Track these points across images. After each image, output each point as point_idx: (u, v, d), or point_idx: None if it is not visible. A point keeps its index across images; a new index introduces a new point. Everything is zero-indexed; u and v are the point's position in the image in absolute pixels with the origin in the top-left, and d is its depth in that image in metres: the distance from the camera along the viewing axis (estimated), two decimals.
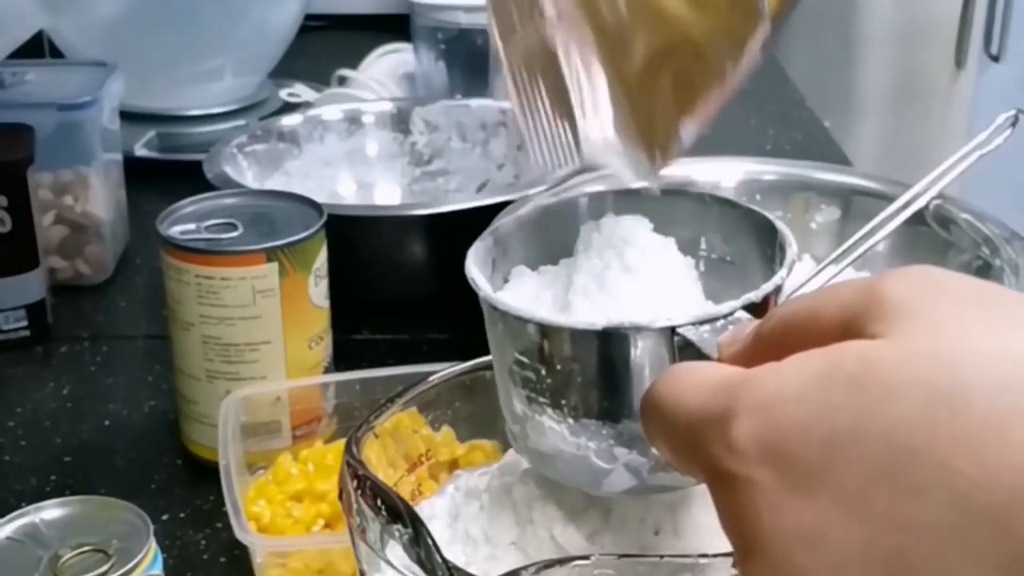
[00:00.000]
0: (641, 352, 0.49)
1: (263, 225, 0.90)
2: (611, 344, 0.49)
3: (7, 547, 0.67)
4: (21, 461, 0.95)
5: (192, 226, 0.89)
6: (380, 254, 1.11)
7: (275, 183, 1.25)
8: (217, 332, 0.87)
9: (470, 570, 0.53)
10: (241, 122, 1.53)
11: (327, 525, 0.78)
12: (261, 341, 0.87)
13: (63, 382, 1.06)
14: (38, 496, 0.72)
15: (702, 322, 0.49)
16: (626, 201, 0.58)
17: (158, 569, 0.67)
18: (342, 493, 0.60)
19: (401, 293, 1.13)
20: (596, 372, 0.50)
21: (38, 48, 1.68)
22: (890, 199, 0.98)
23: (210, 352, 0.88)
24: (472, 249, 0.58)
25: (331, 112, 1.38)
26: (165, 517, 0.85)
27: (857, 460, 0.34)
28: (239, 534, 0.72)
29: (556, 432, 0.52)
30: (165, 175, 1.38)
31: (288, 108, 1.55)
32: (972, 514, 0.32)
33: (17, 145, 1.12)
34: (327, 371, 0.92)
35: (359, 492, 0.58)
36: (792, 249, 0.55)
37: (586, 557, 0.53)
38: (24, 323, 1.12)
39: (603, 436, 0.51)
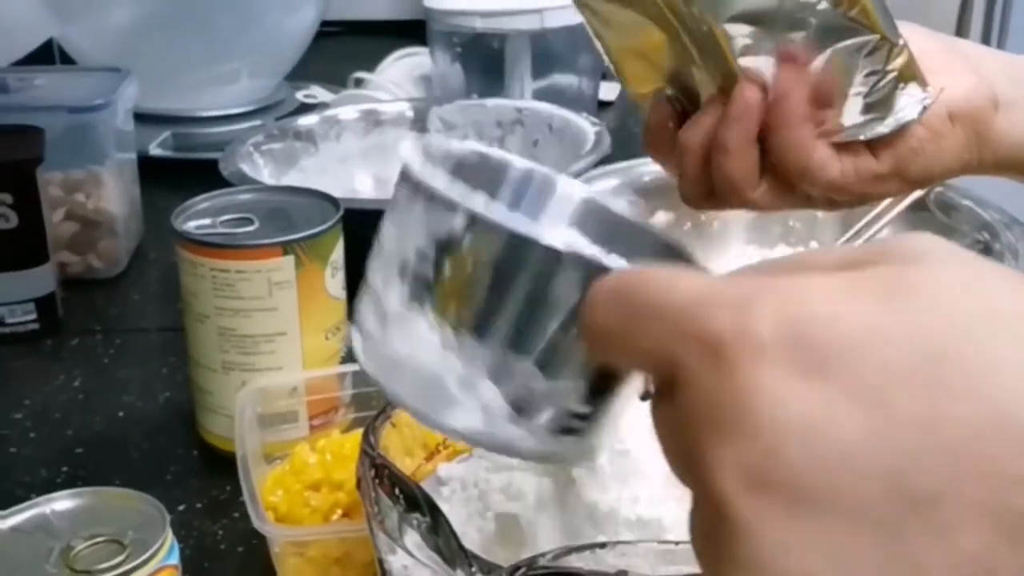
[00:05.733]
0: (577, 283, 0.43)
1: (279, 219, 0.90)
2: (548, 264, 0.43)
3: (17, 538, 0.66)
4: (30, 453, 0.95)
5: (207, 221, 0.89)
6: None
7: (291, 180, 1.26)
8: (233, 324, 0.87)
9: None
10: (257, 122, 1.54)
11: (345, 514, 0.77)
12: (277, 332, 0.87)
13: (74, 374, 1.06)
14: (48, 488, 0.71)
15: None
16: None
17: (175, 559, 0.66)
18: (360, 482, 0.60)
19: None
20: (517, 290, 0.44)
21: (48, 56, 1.69)
22: None
23: (226, 343, 0.88)
24: (410, 142, 0.56)
25: (348, 112, 1.38)
26: (181, 508, 0.85)
27: (881, 357, 0.32)
28: (257, 524, 0.71)
29: (426, 341, 0.45)
30: (181, 174, 1.38)
31: (305, 109, 1.55)
32: (993, 428, 0.31)
33: (26, 145, 1.14)
34: (344, 361, 0.92)
35: (377, 481, 0.58)
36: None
37: (603, 545, 0.53)
38: (33, 316, 1.13)
39: (477, 361, 0.45)
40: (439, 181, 0.45)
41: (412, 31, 1.77)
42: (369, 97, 1.50)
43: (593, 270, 0.41)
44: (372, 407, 0.79)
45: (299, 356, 0.88)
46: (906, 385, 0.32)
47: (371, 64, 1.68)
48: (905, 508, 0.31)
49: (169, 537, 0.66)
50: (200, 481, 0.89)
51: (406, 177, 0.47)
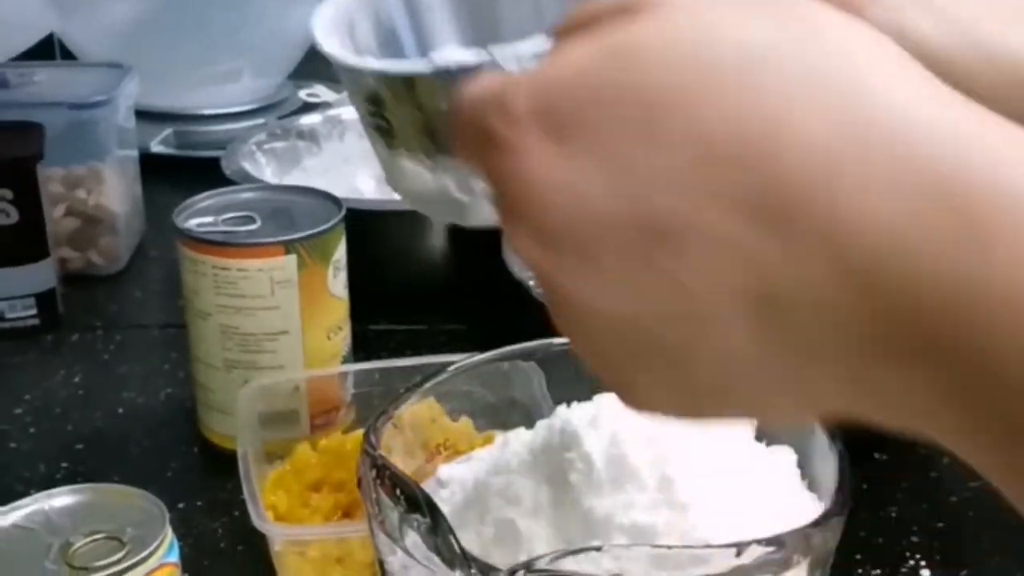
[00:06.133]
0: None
1: (282, 218, 0.90)
2: (441, 83, 0.49)
3: (15, 534, 0.66)
4: (29, 448, 0.94)
5: (209, 219, 0.89)
6: (399, 246, 1.11)
7: (294, 179, 1.25)
8: (235, 321, 0.87)
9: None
10: (259, 121, 1.53)
11: (345, 514, 0.77)
12: (279, 331, 0.87)
13: (74, 370, 1.06)
14: (47, 484, 0.71)
15: (527, 54, 0.50)
16: None
17: (174, 557, 0.66)
18: (361, 482, 0.60)
19: (420, 284, 1.13)
20: (435, 111, 0.50)
21: (49, 51, 1.69)
22: None
23: (228, 341, 0.88)
24: (317, 15, 0.59)
25: (351, 112, 1.37)
26: (181, 505, 0.85)
27: (614, 115, 0.37)
28: (257, 522, 0.71)
29: (417, 172, 0.53)
30: (184, 171, 1.38)
31: (308, 108, 1.55)
32: (710, 160, 0.35)
33: (26, 142, 1.14)
34: (346, 361, 0.92)
35: (378, 481, 0.58)
36: None
37: (598, 548, 0.53)
38: (33, 311, 1.13)
39: (457, 170, 0.52)
40: (343, 53, 0.54)
41: None
42: None
43: (470, 72, 0.47)
44: (373, 407, 0.79)
45: (301, 355, 0.88)
46: (633, 136, 0.36)
47: None
48: (651, 237, 0.36)
49: (169, 535, 0.66)
50: (200, 479, 0.89)
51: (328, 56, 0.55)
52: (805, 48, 0.36)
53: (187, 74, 1.56)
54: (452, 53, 0.50)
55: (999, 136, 0.34)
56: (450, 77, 0.48)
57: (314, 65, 1.67)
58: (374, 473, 0.58)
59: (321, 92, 1.64)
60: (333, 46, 0.54)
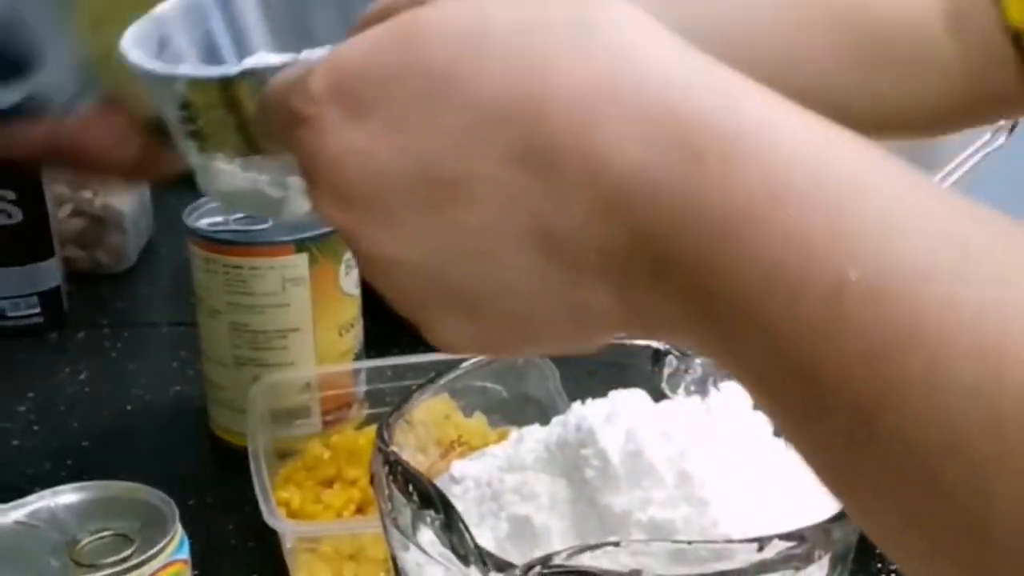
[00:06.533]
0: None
1: None
2: (251, 86, 0.51)
3: (20, 531, 0.66)
4: (33, 446, 0.94)
5: (220, 218, 0.89)
6: None
7: None
8: (246, 319, 0.87)
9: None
10: None
11: (358, 511, 0.77)
12: (290, 328, 0.87)
13: (80, 368, 1.06)
14: (53, 481, 0.70)
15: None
16: None
17: (184, 554, 0.66)
18: (374, 479, 0.60)
19: None
20: (245, 114, 0.52)
21: None
22: None
23: (238, 339, 0.87)
24: (128, 31, 0.59)
25: None
26: (192, 502, 0.84)
27: (401, 88, 0.41)
28: (268, 519, 0.71)
29: (230, 173, 0.55)
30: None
31: None
32: (484, 119, 0.40)
33: None
34: (358, 358, 0.92)
35: (391, 478, 0.58)
36: None
37: (616, 543, 0.53)
38: (36, 310, 1.12)
39: (270, 168, 0.54)
40: (152, 62, 0.56)
41: None
42: None
43: (275, 72, 0.49)
44: (386, 403, 0.79)
45: (312, 352, 0.88)
46: (417, 105, 0.41)
47: None
48: (437, 192, 0.41)
49: (178, 532, 0.66)
50: (211, 476, 0.89)
51: (133, 66, 0.56)
52: (572, 20, 0.41)
53: None
54: (261, 57, 0.52)
55: (723, 82, 0.40)
56: (260, 78, 0.50)
57: None
58: (387, 469, 0.58)
59: None
60: (139, 57, 0.56)
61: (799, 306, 0.37)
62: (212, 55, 0.63)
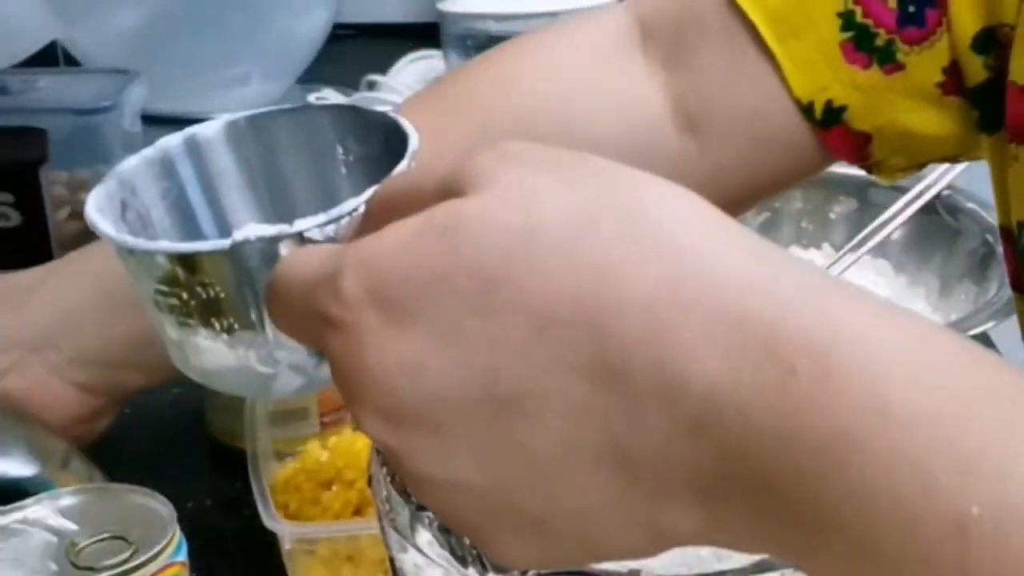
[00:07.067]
0: (274, 260, 0.49)
1: None
2: (244, 259, 0.50)
3: (19, 534, 0.65)
4: None
5: None
6: None
7: None
8: None
9: None
10: None
11: (356, 512, 0.77)
12: None
13: None
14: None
15: (327, 223, 0.51)
16: (262, 121, 0.63)
17: (183, 556, 0.66)
18: (371, 480, 0.59)
19: None
20: (236, 287, 0.51)
21: (52, 58, 1.69)
22: (903, 190, 1.07)
23: None
24: (92, 194, 0.60)
25: None
26: (190, 504, 0.84)
27: (450, 295, 0.38)
28: (267, 521, 0.71)
29: (214, 349, 0.53)
30: None
31: None
32: (546, 328, 0.37)
33: (28, 146, 1.15)
34: None
35: (388, 479, 0.57)
36: (413, 140, 0.56)
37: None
38: None
39: (259, 343, 0.52)
40: (134, 239, 0.54)
41: (426, 34, 1.76)
42: (382, 100, 1.49)
43: (270, 244, 0.50)
44: None
45: None
46: (470, 313, 0.38)
47: (384, 67, 1.67)
48: (499, 409, 0.38)
49: (177, 534, 0.65)
50: (209, 478, 0.89)
51: (107, 239, 0.56)
52: (622, 213, 0.38)
53: (195, 78, 1.55)
54: (254, 228, 0.50)
55: (803, 283, 0.38)
56: (254, 251, 0.50)
57: (322, 69, 1.67)
58: (384, 471, 0.58)
59: (330, 96, 1.63)
60: (114, 230, 0.56)
61: (916, 542, 0.35)
62: (181, 208, 0.62)
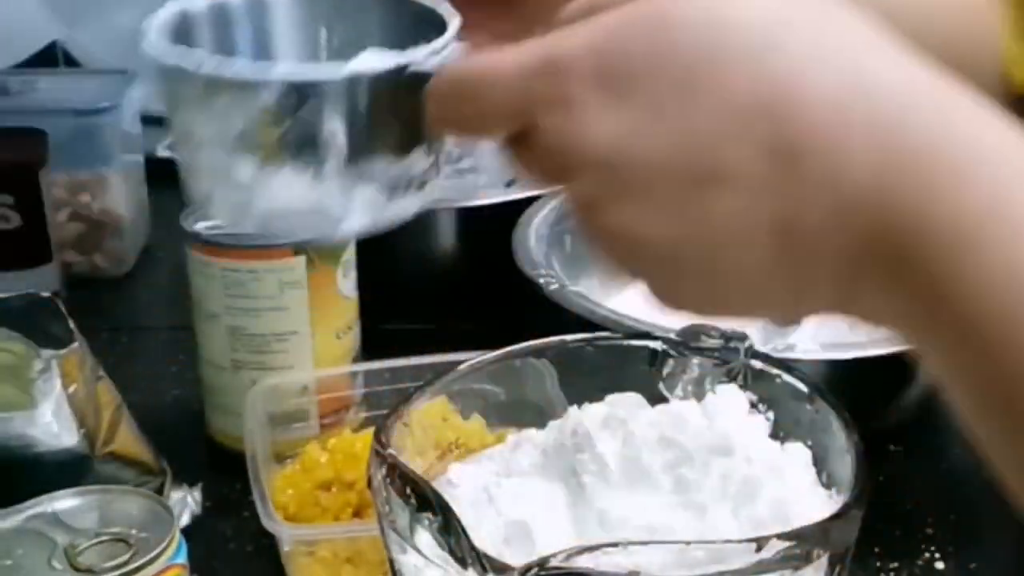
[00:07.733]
0: (383, 91, 0.51)
1: None
2: (357, 90, 0.50)
3: (20, 535, 0.66)
4: None
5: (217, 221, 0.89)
6: (409, 245, 1.10)
7: None
8: (243, 323, 0.87)
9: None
10: None
11: (355, 514, 0.77)
12: (288, 331, 0.87)
13: None
14: None
15: (436, 52, 0.51)
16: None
17: (182, 558, 0.66)
18: (371, 481, 0.60)
19: (430, 283, 1.12)
20: (348, 117, 0.51)
21: (52, 59, 1.68)
22: None
23: (236, 342, 0.88)
24: (154, 28, 0.59)
25: None
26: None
27: (661, 75, 0.44)
28: (266, 522, 0.71)
29: (293, 188, 0.52)
30: None
31: None
32: (738, 107, 0.43)
33: (28, 147, 1.15)
34: (356, 360, 0.92)
35: (388, 480, 0.58)
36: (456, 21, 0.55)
37: (613, 545, 0.52)
38: None
39: (346, 175, 0.52)
40: (239, 66, 0.52)
41: None
42: None
43: (380, 77, 0.50)
44: (383, 406, 0.79)
45: (310, 355, 0.88)
46: (674, 93, 0.43)
47: None
48: (696, 178, 0.44)
49: (176, 536, 0.66)
50: (209, 480, 0.88)
51: (185, 77, 0.54)
52: (815, 25, 0.44)
53: None
54: (368, 58, 0.50)
55: (946, 97, 0.43)
56: (374, 81, 0.50)
57: None
58: (384, 472, 0.58)
59: None
60: (213, 61, 0.52)
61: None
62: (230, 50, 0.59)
